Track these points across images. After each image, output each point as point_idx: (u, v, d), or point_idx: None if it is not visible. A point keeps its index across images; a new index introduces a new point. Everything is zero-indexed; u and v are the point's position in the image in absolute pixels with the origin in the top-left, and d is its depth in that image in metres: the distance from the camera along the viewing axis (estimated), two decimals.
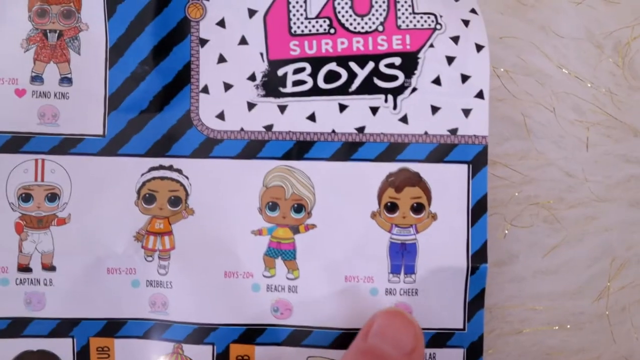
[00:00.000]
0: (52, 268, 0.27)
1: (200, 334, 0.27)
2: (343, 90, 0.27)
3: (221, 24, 0.27)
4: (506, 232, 0.29)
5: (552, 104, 0.29)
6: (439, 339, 0.27)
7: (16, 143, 0.27)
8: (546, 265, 0.29)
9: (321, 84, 0.27)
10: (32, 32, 0.27)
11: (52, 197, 0.27)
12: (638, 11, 0.29)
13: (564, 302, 0.29)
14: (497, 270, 0.29)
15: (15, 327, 0.27)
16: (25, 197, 0.27)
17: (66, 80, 0.27)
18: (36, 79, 0.27)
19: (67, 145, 0.27)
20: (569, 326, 0.29)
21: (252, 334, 0.27)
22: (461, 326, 0.27)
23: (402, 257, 0.27)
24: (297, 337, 0.27)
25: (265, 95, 0.27)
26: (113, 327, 0.27)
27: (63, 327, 0.27)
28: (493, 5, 0.29)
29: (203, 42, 0.27)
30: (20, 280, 0.27)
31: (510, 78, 0.29)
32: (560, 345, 0.29)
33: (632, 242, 0.29)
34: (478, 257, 0.27)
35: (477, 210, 0.27)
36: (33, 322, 0.27)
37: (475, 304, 0.27)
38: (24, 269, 0.27)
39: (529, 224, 0.29)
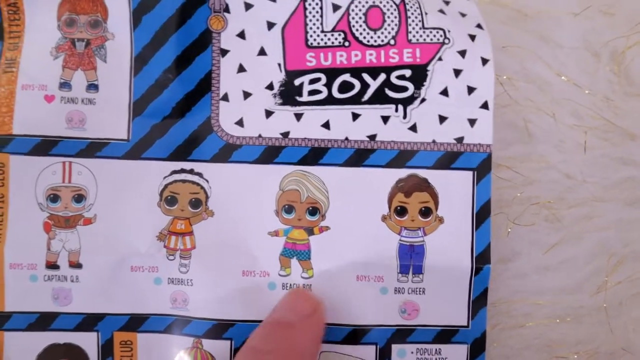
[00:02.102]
0: (78, 265, 0.28)
1: (219, 329, 0.28)
2: (356, 99, 0.29)
3: (241, 35, 0.29)
4: (509, 230, 0.30)
5: (552, 110, 0.31)
6: (444, 335, 0.29)
7: (45, 146, 0.28)
8: (547, 262, 0.30)
9: (335, 93, 0.29)
10: (60, 40, 0.29)
11: (79, 198, 0.28)
12: (633, 22, 0.31)
13: (564, 297, 0.30)
14: (501, 267, 0.30)
15: (43, 321, 0.28)
16: (54, 198, 0.28)
17: (93, 86, 0.29)
18: (64, 85, 0.28)
19: (93, 148, 0.28)
20: (569, 319, 0.30)
21: None
22: (465, 323, 0.28)
23: (411, 258, 0.28)
24: None
25: (283, 104, 0.29)
26: (136, 322, 0.29)
27: (88, 322, 0.29)
28: (496, 16, 0.31)
29: (224, 52, 0.29)
30: (49, 276, 0.28)
31: (512, 85, 0.30)
32: (561, 337, 0.30)
33: (629, 239, 0.31)
34: (482, 259, 0.28)
35: (481, 214, 0.28)
36: (60, 316, 0.28)
37: (478, 302, 0.28)
38: (52, 266, 0.28)
39: (530, 222, 0.30)
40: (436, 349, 0.28)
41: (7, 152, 0.28)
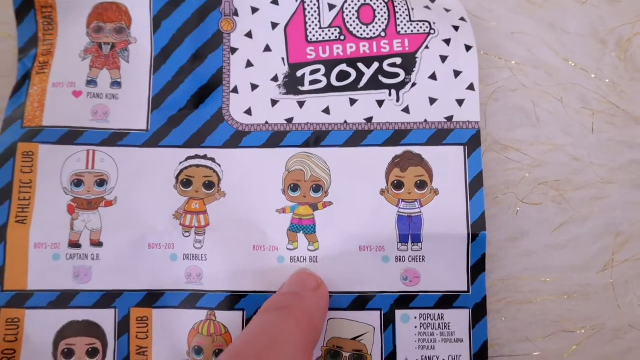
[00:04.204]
0: (99, 244, 0.30)
1: (232, 301, 0.30)
2: (353, 87, 0.32)
3: (249, 35, 0.32)
4: (518, 209, 0.31)
5: (559, 94, 0.32)
6: (446, 300, 0.30)
7: (72, 136, 0.31)
8: (555, 241, 0.31)
9: (334, 82, 0.32)
10: (89, 44, 0.32)
11: (101, 182, 0.31)
12: (639, 9, 0.32)
13: (571, 275, 0.31)
14: (510, 245, 0.31)
15: (64, 299, 0.30)
16: (77, 183, 0.31)
17: (116, 84, 0.32)
18: (91, 82, 0.32)
19: (115, 138, 0.31)
20: (576, 296, 0.31)
21: None
22: (465, 288, 0.30)
23: (409, 228, 0.30)
24: None
25: (287, 93, 0.32)
26: (152, 298, 0.30)
27: (106, 299, 0.30)
28: (505, 4, 0.33)
29: (233, 50, 0.32)
30: (70, 255, 0.30)
31: (520, 70, 0.32)
32: (568, 313, 0.31)
33: (635, 220, 0.31)
34: (477, 226, 0.30)
35: (474, 185, 0.30)
36: (79, 294, 0.30)
37: (477, 268, 0.30)
38: (74, 245, 0.30)
39: (538, 201, 0.31)
40: (439, 314, 0.30)
41: (37, 141, 0.31)
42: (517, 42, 0.33)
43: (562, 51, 0.32)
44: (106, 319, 0.30)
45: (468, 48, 0.31)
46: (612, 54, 0.32)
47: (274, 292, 0.30)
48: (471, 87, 0.31)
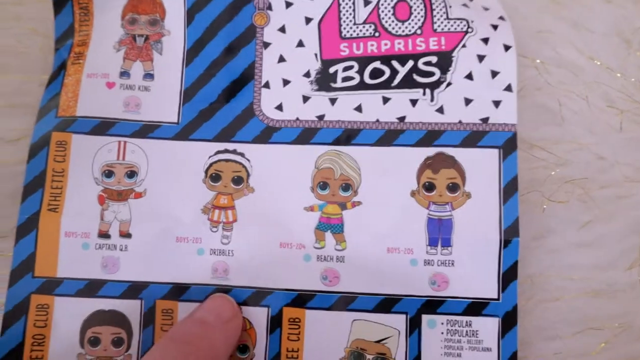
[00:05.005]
0: (128, 235, 0.30)
1: (257, 297, 0.30)
2: (386, 85, 0.31)
3: (282, 29, 0.32)
4: (544, 207, 0.31)
5: (584, 93, 0.32)
6: (475, 307, 0.29)
7: (104, 127, 0.31)
8: (581, 239, 0.31)
9: (367, 79, 0.31)
10: (123, 36, 0.32)
11: (131, 174, 0.31)
12: None
13: (598, 273, 0.31)
14: (536, 243, 0.31)
15: (92, 288, 0.30)
16: (108, 174, 0.31)
17: (149, 75, 0.32)
18: (124, 74, 0.32)
19: (146, 130, 0.31)
20: (603, 294, 0.30)
21: (303, 299, 0.30)
22: (496, 296, 0.29)
23: (439, 231, 0.29)
24: (344, 302, 0.29)
25: (318, 90, 0.31)
26: (178, 291, 0.30)
27: (133, 290, 0.30)
28: (530, 3, 0.33)
29: (266, 45, 0.32)
30: (100, 245, 0.30)
31: (545, 69, 0.32)
32: (595, 312, 0.30)
33: None
34: (510, 232, 0.29)
35: (509, 189, 0.29)
36: (107, 284, 0.30)
37: (508, 275, 0.29)
38: (104, 235, 0.30)
39: (565, 199, 0.31)
40: (466, 321, 0.29)
41: (70, 131, 0.31)
42: (542, 41, 0.33)
43: (587, 50, 0.32)
44: (132, 309, 0.30)
45: (507, 48, 0.31)
46: (637, 53, 0.32)
47: (299, 291, 0.29)
48: (508, 88, 0.30)
